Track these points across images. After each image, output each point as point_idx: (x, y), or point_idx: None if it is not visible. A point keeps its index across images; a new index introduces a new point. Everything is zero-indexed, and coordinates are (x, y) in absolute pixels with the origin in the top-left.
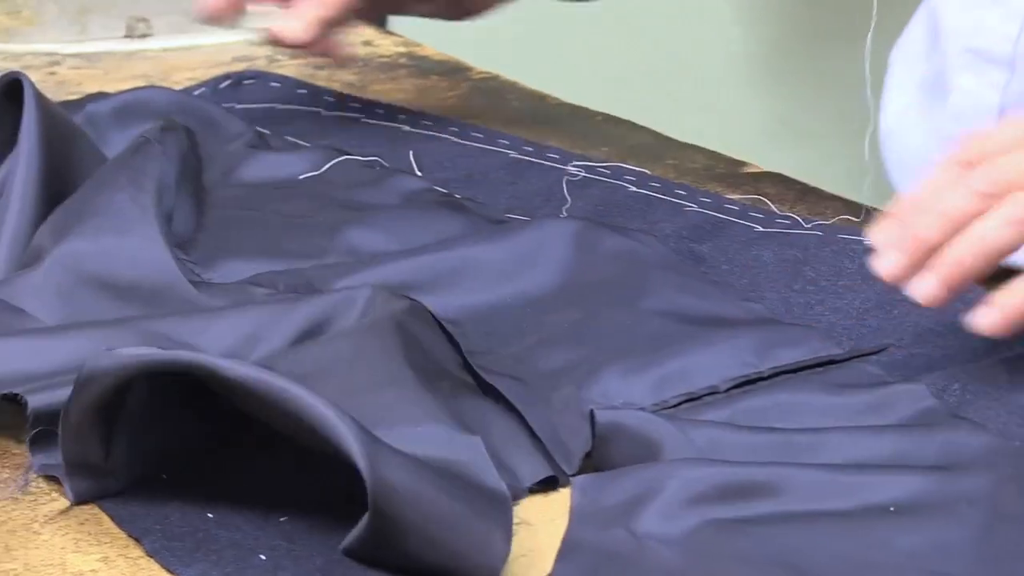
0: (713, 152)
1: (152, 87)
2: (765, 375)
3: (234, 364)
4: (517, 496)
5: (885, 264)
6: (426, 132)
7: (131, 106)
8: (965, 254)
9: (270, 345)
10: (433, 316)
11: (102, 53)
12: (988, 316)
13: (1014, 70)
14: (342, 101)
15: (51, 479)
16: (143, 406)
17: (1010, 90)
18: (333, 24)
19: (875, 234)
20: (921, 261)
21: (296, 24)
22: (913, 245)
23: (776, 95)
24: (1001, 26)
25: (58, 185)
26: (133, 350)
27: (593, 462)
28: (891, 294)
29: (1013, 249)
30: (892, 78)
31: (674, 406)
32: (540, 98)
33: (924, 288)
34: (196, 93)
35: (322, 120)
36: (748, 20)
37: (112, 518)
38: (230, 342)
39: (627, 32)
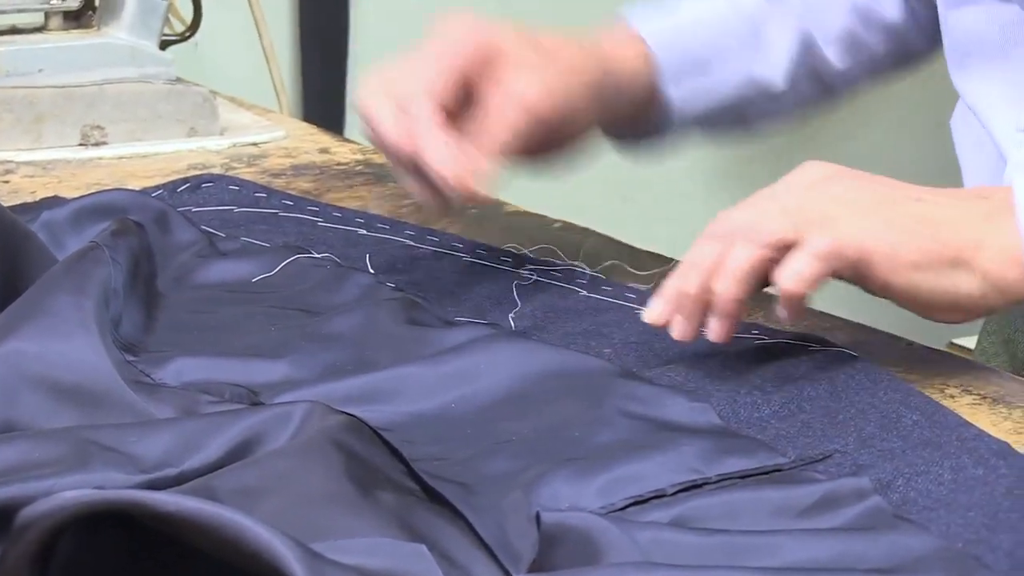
0: (670, 258)
1: (112, 190)
2: (712, 480)
3: (168, 497)
4: None
5: (650, 313)
6: (382, 235)
7: (89, 210)
8: (718, 284)
9: (204, 455)
10: (372, 429)
11: (57, 161)
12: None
13: None
14: (300, 204)
15: None
16: (76, 549)
17: None
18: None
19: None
20: (684, 307)
21: (423, 78)
22: (672, 294)
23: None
24: None
25: (8, 289)
26: (70, 493)
27: (537, 564)
28: (837, 402)
29: (751, 268)
30: (963, 154)
31: (621, 509)
32: (498, 205)
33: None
34: (154, 195)
35: (279, 222)
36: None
37: None
38: (164, 449)
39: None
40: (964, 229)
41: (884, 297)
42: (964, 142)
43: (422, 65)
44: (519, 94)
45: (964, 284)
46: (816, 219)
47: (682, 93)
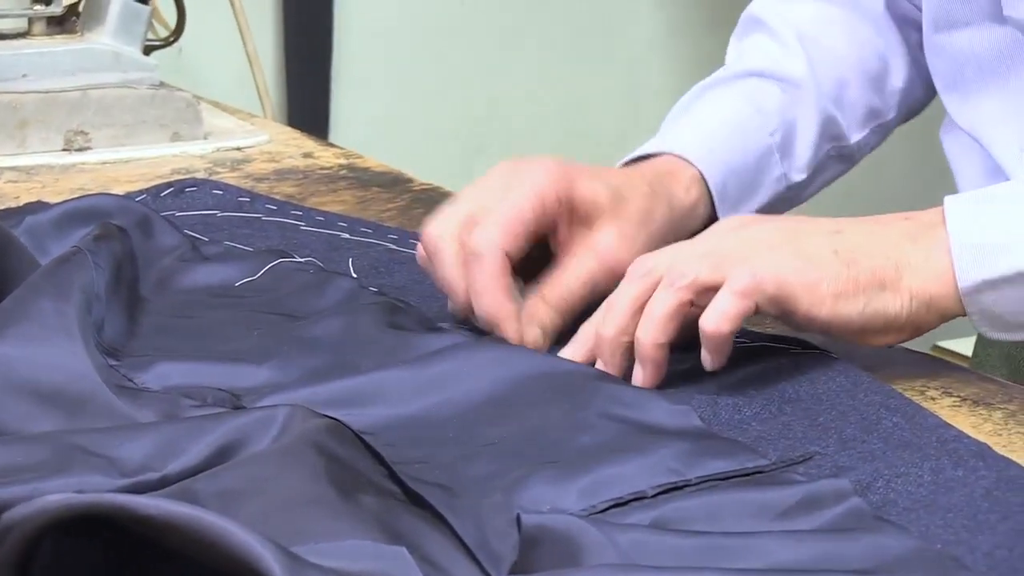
0: None
1: (96, 194)
2: (693, 482)
3: (150, 500)
4: None
5: (565, 354)
6: (365, 239)
7: (72, 215)
8: (640, 331)
9: (186, 458)
10: (353, 432)
11: (40, 166)
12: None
13: None
14: (283, 208)
15: None
16: (58, 553)
17: None
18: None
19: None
20: (602, 350)
21: (494, 232)
22: (594, 340)
23: None
24: None
25: None
26: (52, 497)
27: (518, 566)
28: (818, 404)
29: (673, 312)
30: (955, 165)
31: (602, 511)
32: None
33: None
34: (137, 200)
35: (262, 226)
36: None
37: None
38: (146, 452)
39: (568, 146)
40: (882, 252)
41: (813, 331)
42: (955, 152)
43: (495, 211)
44: (600, 249)
45: (891, 305)
46: (733, 259)
47: (735, 214)
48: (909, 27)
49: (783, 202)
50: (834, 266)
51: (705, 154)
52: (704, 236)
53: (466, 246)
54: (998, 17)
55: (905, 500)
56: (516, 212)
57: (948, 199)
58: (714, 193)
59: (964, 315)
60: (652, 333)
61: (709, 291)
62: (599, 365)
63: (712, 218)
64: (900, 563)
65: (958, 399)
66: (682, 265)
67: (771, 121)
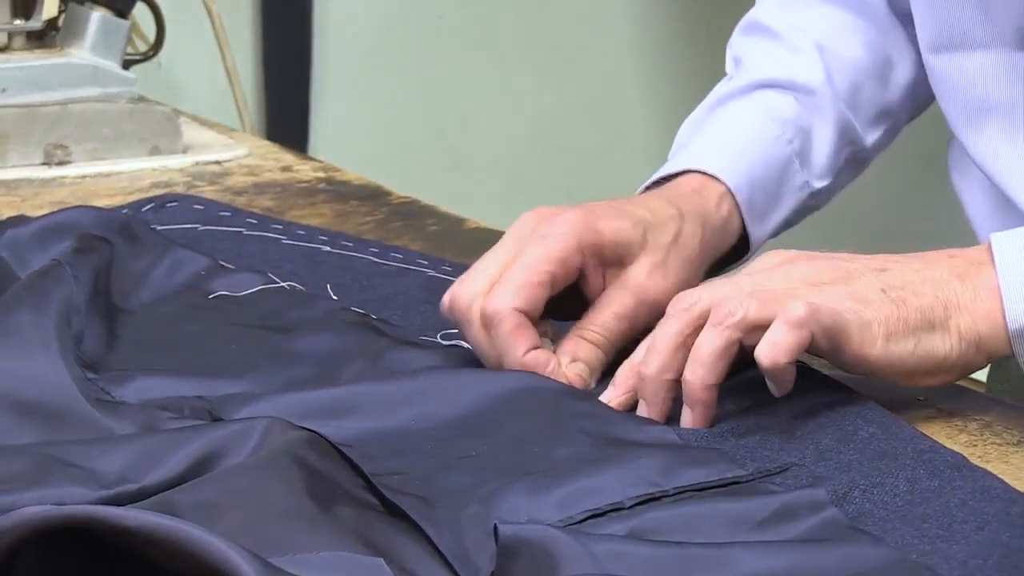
0: None
1: (76, 207)
2: (670, 493)
3: (128, 512)
4: None
5: (612, 401)
6: (346, 252)
7: (53, 228)
8: (688, 372)
9: (164, 470)
10: (332, 444)
11: (20, 180)
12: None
13: None
14: (264, 222)
15: None
16: (37, 565)
17: None
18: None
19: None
20: (644, 390)
21: (507, 294)
22: (636, 380)
23: None
24: None
25: None
26: (31, 509)
27: None
28: (793, 416)
29: (722, 352)
30: (967, 201)
31: (579, 521)
32: (458, 222)
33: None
34: None
35: (244, 240)
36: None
37: None
38: (125, 464)
39: (546, 159)
40: (931, 291)
41: (862, 372)
42: (964, 186)
43: (510, 274)
44: (632, 283)
45: (940, 346)
46: (781, 296)
47: (764, 229)
48: (912, 24)
49: (806, 210)
50: (885, 306)
51: (728, 166)
52: (748, 273)
53: (483, 313)
54: (1014, 42)
55: (881, 510)
56: (529, 273)
57: (994, 236)
58: (743, 206)
59: (1011, 355)
60: (701, 374)
61: (758, 329)
62: (641, 407)
63: (744, 232)
64: (875, 573)
65: (934, 410)
66: (729, 303)
67: (788, 130)
